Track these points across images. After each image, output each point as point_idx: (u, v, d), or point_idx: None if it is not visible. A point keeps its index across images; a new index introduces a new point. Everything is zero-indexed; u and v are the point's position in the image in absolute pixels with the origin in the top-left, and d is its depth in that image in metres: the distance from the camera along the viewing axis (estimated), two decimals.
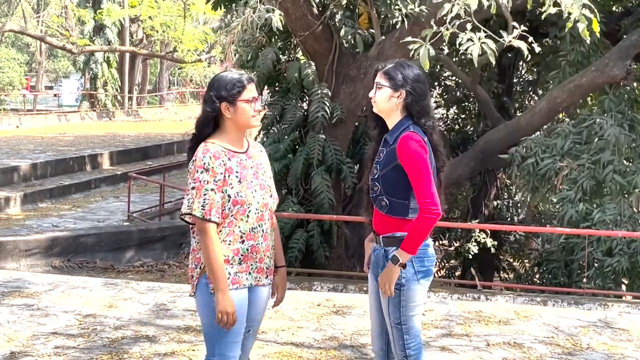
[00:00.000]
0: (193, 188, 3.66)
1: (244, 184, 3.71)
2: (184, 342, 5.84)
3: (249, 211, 3.71)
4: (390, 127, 3.85)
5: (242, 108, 3.72)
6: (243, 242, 3.72)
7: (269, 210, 3.82)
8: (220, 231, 3.69)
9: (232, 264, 3.69)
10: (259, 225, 3.76)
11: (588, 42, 10.60)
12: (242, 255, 3.72)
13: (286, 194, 11.85)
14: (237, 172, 3.70)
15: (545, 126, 13.20)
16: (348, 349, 5.70)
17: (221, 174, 3.65)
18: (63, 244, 12.80)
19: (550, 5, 7.17)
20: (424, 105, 3.81)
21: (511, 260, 16.91)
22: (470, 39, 7.09)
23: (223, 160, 3.67)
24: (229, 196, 3.66)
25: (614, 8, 13.27)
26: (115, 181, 18.88)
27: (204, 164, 3.64)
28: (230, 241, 3.70)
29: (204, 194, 3.62)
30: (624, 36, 11.97)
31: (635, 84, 13.43)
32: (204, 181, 3.62)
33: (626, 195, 11.18)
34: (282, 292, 3.99)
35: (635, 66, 13.58)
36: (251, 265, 3.75)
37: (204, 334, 3.82)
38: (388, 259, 3.75)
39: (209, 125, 3.78)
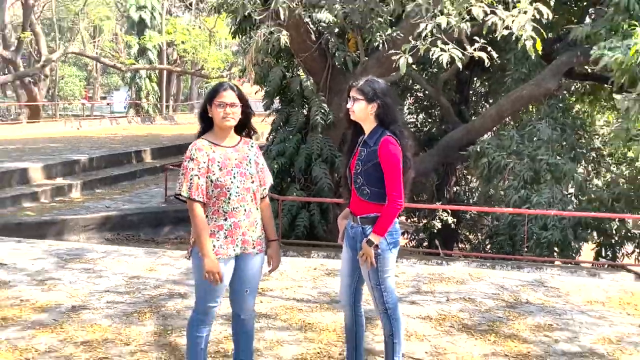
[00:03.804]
0: (182, 174, 3.66)
1: (224, 171, 3.66)
2: None
3: (230, 194, 3.66)
4: (367, 131, 3.83)
5: (215, 110, 3.68)
6: (226, 219, 3.67)
7: (251, 194, 3.75)
8: (207, 209, 3.67)
9: (217, 237, 3.66)
10: (240, 206, 3.70)
11: (533, 57, 10.65)
12: (226, 230, 3.68)
13: (290, 182, 11.88)
14: (218, 162, 3.66)
15: (494, 128, 13.21)
16: (337, 303, 5.71)
17: (204, 162, 3.63)
18: (114, 221, 12.84)
19: (502, 30, 7.19)
20: (393, 114, 3.81)
21: (467, 233, 16.98)
22: (442, 49, 7.11)
23: (207, 152, 3.65)
24: (211, 181, 3.64)
25: (549, 35, 13.25)
26: (155, 171, 18.84)
27: (190, 154, 3.64)
28: (215, 218, 3.67)
29: (190, 179, 3.62)
30: (557, 57, 11.97)
31: (565, 95, 13.45)
32: (190, 168, 3.62)
33: (558, 183, 11.24)
34: (276, 262, 3.94)
35: (565, 81, 13.60)
36: (236, 238, 3.71)
37: (195, 288, 3.82)
38: (365, 235, 3.76)
39: (203, 121, 3.78)
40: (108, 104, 43.33)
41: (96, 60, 39.75)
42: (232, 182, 3.66)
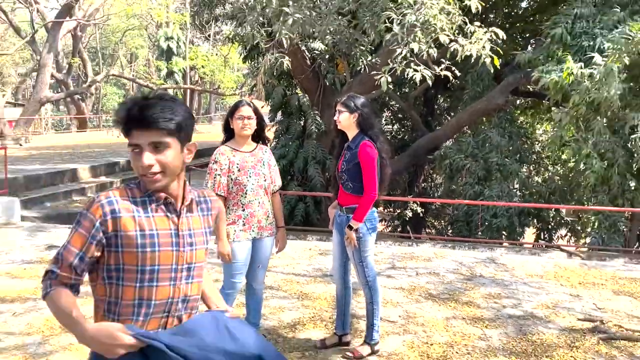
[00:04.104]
0: (208, 173, 3.74)
1: (242, 172, 3.71)
2: None
3: (246, 190, 3.71)
4: (350, 137, 3.85)
5: (235, 122, 3.74)
6: (243, 210, 3.72)
7: (263, 190, 3.79)
8: (229, 202, 3.73)
9: (237, 224, 3.72)
10: (255, 199, 3.74)
11: (486, 77, 10.65)
12: (244, 219, 3.73)
13: (290, 179, 11.87)
14: (238, 164, 3.71)
15: (455, 136, 13.23)
16: (328, 277, 5.72)
17: (226, 164, 3.70)
18: None
19: (463, 54, 7.24)
20: (370, 122, 3.84)
21: (433, 221, 16.98)
22: (415, 70, 7.13)
23: (228, 156, 3.72)
24: (231, 179, 3.70)
25: (500, 60, 13.27)
26: None
27: (215, 158, 3.73)
28: (235, 209, 3.72)
29: (214, 177, 3.70)
30: (505, 78, 11.99)
31: (511, 109, 13.47)
32: (214, 169, 3.70)
33: (505, 180, 11.28)
34: (282, 244, 3.99)
35: (511, 97, 13.62)
36: (252, 225, 3.75)
37: (222, 268, 3.89)
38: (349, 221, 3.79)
39: (226, 131, 3.85)
40: None
41: (132, 81, 39.56)
42: (248, 180, 3.71)
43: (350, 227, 3.74)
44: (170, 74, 35.11)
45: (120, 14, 30.28)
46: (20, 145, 21.87)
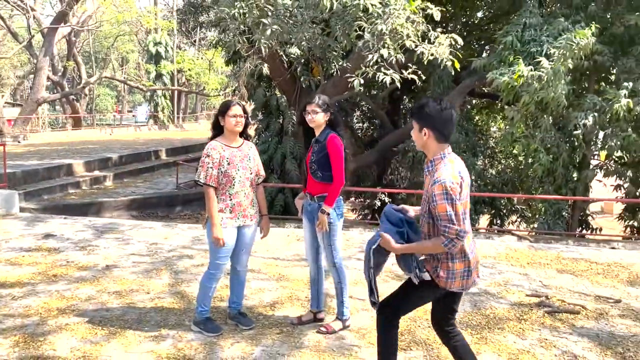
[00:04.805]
0: (200, 166, 3.73)
1: (231, 165, 3.72)
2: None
3: (234, 181, 3.73)
4: (317, 132, 3.86)
5: (228, 120, 3.73)
6: (231, 199, 3.74)
7: (250, 181, 3.82)
8: (218, 192, 3.73)
9: (225, 212, 3.74)
10: (241, 190, 3.76)
11: (446, 80, 10.73)
12: (231, 207, 3.75)
13: (270, 173, 11.83)
14: (227, 158, 3.73)
15: None
16: (305, 261, 5.72)
17: (217, 158, 3.70)
18: (138, 202, 12.62)
19: (428, 57, 7.28)
20: (338, 120, 3.90)
21: None
22: (384, 73, 7.15)
23: (219, 151, 3.72)
24: (221, 172, 3.71)
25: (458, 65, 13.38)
26: (169, 166, 18.51)
27: (207, 152, 3.72)
28: (223, 199, 3.74)
29: (206, 170, 3.69)
30: (462, 81, 12.10)
31: (468, 108, 13.60)
32: (206, 162, 3.69)
33: None
34: (265, 231, 4.01)
35: (468, 98, 13.76)
36: (238, 213, 3.77)
37: (209, 249, 3.89)
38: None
39: (216, 128, 3.84)
40: (133, 115, 42.40)
41: (124, 83, 38.90)
42: (236, 173, 3.73)
43: (323, 211, 3.75)
44: (159, 76, 34.46)
45: (111, 20, 29.66)
46: (19, 142, 21.39)
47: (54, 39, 24.67)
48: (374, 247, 2.83)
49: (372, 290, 2.87)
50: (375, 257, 2.84)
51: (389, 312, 2.86)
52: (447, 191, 2.56)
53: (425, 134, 2.70)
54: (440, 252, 2.67)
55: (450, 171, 2.62)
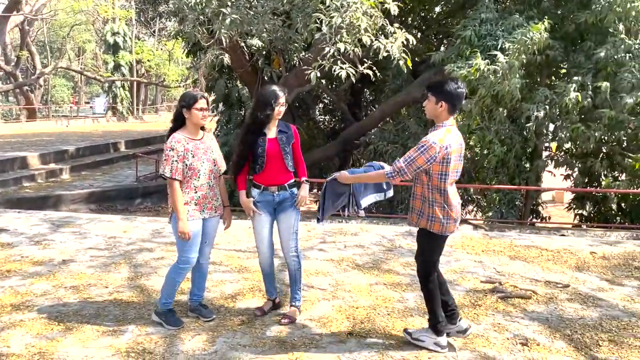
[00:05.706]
0: (164, 160, 3.63)
1: (196, 158, 3.66)
2: (169, 251, 5.73)
3: (199, 174, 3.68)
4: (273, 125, 3.80)
5: (194, 113, 3.66)
6: (196, 192, 3.68)
7: (213, 174, 3.77)
8: (183, 185, 3.66)
9: (190, 205, 3.68)
10: (206, 183, 3.72)
11: (405, 73, 10.84)
12: (196, 200, 3.69)
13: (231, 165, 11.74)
14: (191, 151, 3.66)
15: (379, 125, 13.43)
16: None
17: (181, 151, 3.62)
18: (96, 195, 12.32)
19: (383, 53, 7.31)
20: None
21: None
22: (341, 67, 7.15)
23: (183, 144, 3.64)
24: (186, 165, 3.64)
25: (416, 58, 13.54)
26: (128, 158, 18.12)
27: (171, 145, 3.62)
28: (188, 192, 3.67)
29: (171, 163, 3.60)
30: (421, 74, 12.25)
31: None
32: (171, 156, 3.60)
33: None
34: (228, 222, 3.95)
35: (427, 92, 13.91)
36: (203, 206, 3.73)
37: (176, 244, 3.80)
38: (293, 195, 3.85)
39: (177, 120, 3.74)
40: (91, 107, 41.13)
41: (80, 74, 37.67)
42: (201, 165, 3.67)
43: (307, 182, 3.86)
44: (117, 67, 33.53)
45: (67, 9, 28.64)
46: None
47: (6, 28, 23.67)
48: (329, 178, 3.61)
49: (320, 209, 3.60)
50: (330, 184, 3.59)
51: (421, 270, 3.47)
52: (424, 144, 3.21)
53: (441, 105, 3.31)
54: (382, 180, 3.42)
55: (440, 136, 3.22)
